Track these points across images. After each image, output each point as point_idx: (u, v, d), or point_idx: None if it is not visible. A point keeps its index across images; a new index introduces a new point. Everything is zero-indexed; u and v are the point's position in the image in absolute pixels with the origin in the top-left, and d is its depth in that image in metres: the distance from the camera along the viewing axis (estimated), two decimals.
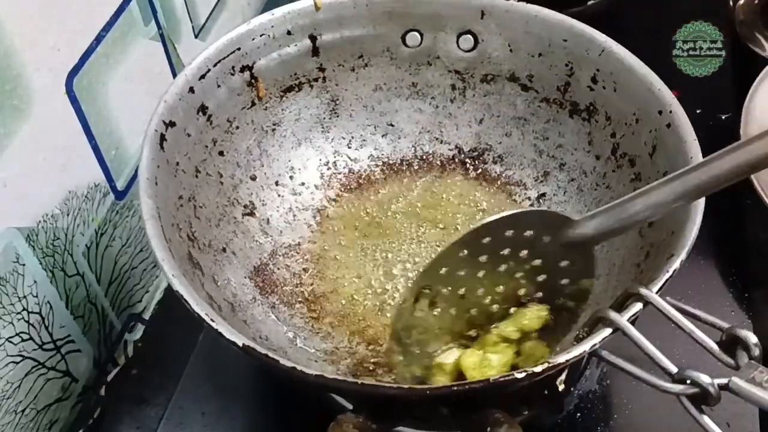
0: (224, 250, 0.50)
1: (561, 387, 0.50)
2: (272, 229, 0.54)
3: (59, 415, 0.53)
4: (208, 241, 0.48)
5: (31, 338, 0.48)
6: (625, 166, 0.51)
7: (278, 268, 0.52)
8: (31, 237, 0.47)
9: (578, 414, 0.50)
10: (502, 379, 0.36)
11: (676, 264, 0.39)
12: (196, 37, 0.65)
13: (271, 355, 0.36)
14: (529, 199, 0.56)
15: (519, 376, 0.36)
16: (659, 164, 0.47)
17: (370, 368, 0.47)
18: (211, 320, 0.37)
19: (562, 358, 0.36)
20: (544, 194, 0.56)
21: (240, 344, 0.37)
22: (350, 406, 0.49)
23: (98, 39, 0.50)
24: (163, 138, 0.46)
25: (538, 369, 0.36)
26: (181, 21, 0.62)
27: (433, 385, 0.37)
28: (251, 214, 0.53)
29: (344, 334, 0.49)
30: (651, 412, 0.50)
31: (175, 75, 0.61)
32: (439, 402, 0.39)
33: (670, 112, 0.47)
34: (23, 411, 0.49)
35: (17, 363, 0.47)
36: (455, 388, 0.36)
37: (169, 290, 0.62)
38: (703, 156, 0.42)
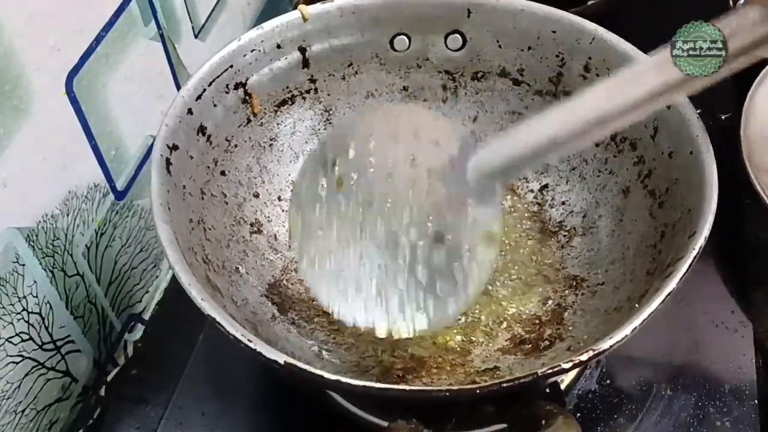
0: (237, 270, 0.50)
1: (563, 385, 0.50)
2: (281, 245, 0.54)
3: (59, 416, 0.53)
4: (222, 263, 0.48)
5: (31, 338, 0.48)
6: (627, 150, 0.51)
7: (292, 284, 0.52)
8: (31, 237, 0.47)
9: (578, 414, 0.50)
10: (549, 370, 0.36)
11: (701, 241, 0.40)
12: (196, 37, 0.65)
13: (314, 370, 0.36)
14: (531, 191, 0.56)
15: (566, 366, 0.36)
16: (662, 145, 0.48)
17: (400, 374, 0.47)
18: (249, 341, 0.37)
19: (606, 344, 0.37)
20: (546, 185, 0.56)
21: (281, 362, 0.37)
22: (352, 408, 0.49)
23: (98, 39, 0.50)
24: (168, 162, 0.46)
25: (584, 357, 0.36)
26: (181, 21, 0.62)
27: (482, 384, 0.37)
28: (258, 231, 0.53)
29: (367, 343, 0.49)
30: (651, 412, 0.50)
31: (174, 75, 0.61)
32: (487, 399, 0.40)
33: None
34: (23, 411, 0.49)
35: (17, 363, 0.47)
36: (504, 384, 0.36)
37: (169, 291, 0.62)
38: None
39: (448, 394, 0.36)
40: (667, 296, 0.38)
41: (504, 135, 0.42)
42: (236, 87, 0.52)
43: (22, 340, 0.48)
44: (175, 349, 0.56)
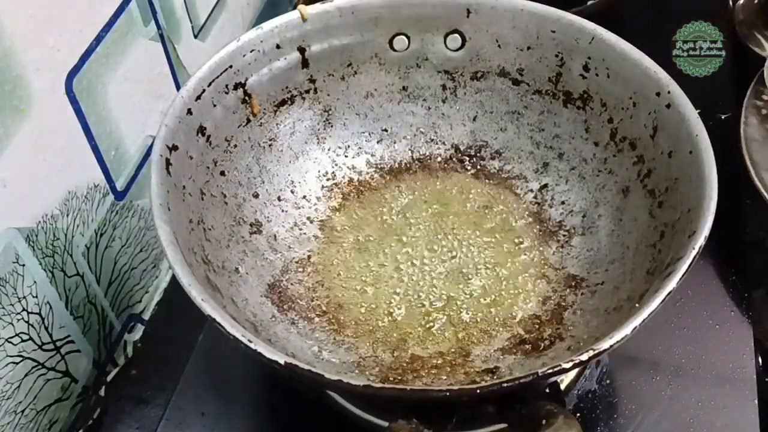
0: (237, 270, 0.50)
1: (563, 385, 0.50)
2: (280, 245, 0.54)
3: (59, 416, 0.53)
4: (221, 263, 0.48)
5: (30, 339, 0.48)
6: (626, 150, 0.51)
7: (292, 284, 0.52)
8: (31, 237, 0.47)
9: (578, 414, 0.50)
10: (549, 370, 0.36)
11: (700, 241, 0.40)
12: (195, 37, 0.65)
13: (314, 370, 0.36)
14: (531, 191, 0.56)
15: (566, 366, 0.36)
16: (662, 145, 0.48)
17: (399, 374, 0.47)
18: (249, 341, 0.37)
19: (606, 344, 0.37)
20: (546, 185, 0.56)
21: (282, 362, 0.37)
22: (352, 408, 0.49)
23: (98, 39, 0.50)
24: (168, 163, 0.46)
25: (584, 357, 0.36)
26: (180, 21, 0.62)
27: (482, 384, 0.37)
28: (258, 231, 0.53)
29: (367, 343, 0.49)
30: (651, 412, 0.50)
31: (174, 75, 0.61)
32: (487, 399, 0.40)
33: (669, 92, 0.47)
34: (23, 411, 0.49)
35: (17, 363, 0.47)
36: (505, 384, 0.36)
37: (169, 291, 0.62)
38: None
39: (448, 394, 0.36)
40: (667, 296, 0.38)
41: None
42: (236, 87, 0.52)
43: (22, 341, 0.48)
44: (174, 349, 0.56)
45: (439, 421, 0.39)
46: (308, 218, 0.56)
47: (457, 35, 0.56)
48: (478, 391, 0.37)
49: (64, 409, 0.53)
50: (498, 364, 0.47)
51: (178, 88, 0.61)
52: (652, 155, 0.49)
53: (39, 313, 0.49)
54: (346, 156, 0.58)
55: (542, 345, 0.47)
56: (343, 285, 0.52)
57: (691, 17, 0.67)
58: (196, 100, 0.49)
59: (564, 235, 0.54)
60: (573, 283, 0.51)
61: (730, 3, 0.74)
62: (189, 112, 0.49)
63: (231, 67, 0.51)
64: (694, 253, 0.39)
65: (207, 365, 0.55)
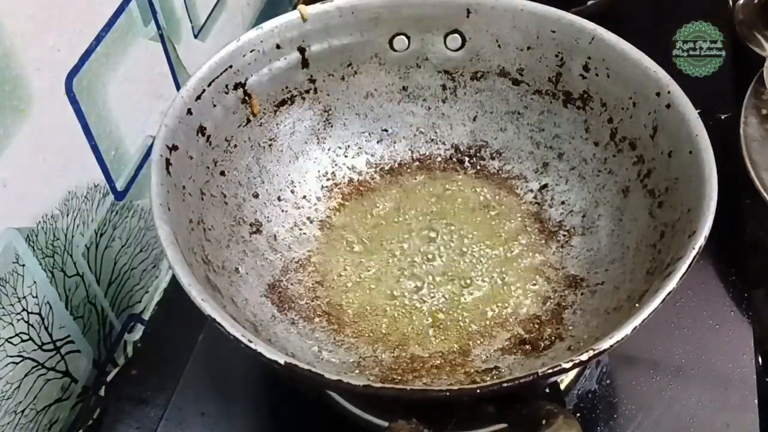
0: (237, 270, 0.50)
1: (563, 385, 0.50)
2: (280, 245, 0.54)
3: (59, 416, 0.53)
4: (221, 263, 0.48)
5: (30, 339, 0.48)
6: (626, 150, 0.51)
7: (292, 284, 0.52)
8: (31, 237, 0.47)
9: (578, 414, 0.50)
10: (549, 370, 0.36)
11: (700, 241, 0.40)
12: (195, 37, 0.65)
13: (314, 370, 0.36)
14: (531, 191, 0.56)
15: (566, 366, 0.36)
16: (662, 145, 0.48)
17: (399, 374, 0.47)
18: (249, 341, 0.37)
19: (606, 344, 0.37)
20: (546, 185, 0.56)
21: (282, 362, 0.37)
22: (351, 408, 0.49)
23: (98, 39, 0.50)
24: (168, 162, 0.46)
25: (584, 357, 0.36)
26: (180, 21, 0.62)
27: (482, 384, 0.37)
28: (258, 231, 0.53)
29: (367, 343, 0.49)
30: (651, 412, 0.50)
31: (174, 75, 0.61)
32: (487, 399, 0.40)
33: (669, 92, 0.47)
34: (23, 411, 0.49)
35: (17, 363, 0.47)
36: (505, 384, 0.36)
37: (169, 291, 0.62)
38: None
39: (448, 394, 0.36)
40: (667, 296, 0.38)
41: None
42: (236, 87, 0.52)
43: (22, 341, 0.48)
44: (174, 349, 0.56)
45: (439, 421, 0.39)
46: (308, 218, 0.56)
47: (457, 35, 0.56)
48: (478, 391, 0.37)
49: (64, 409, 0.53)
50: (498, 364, 0.47)
51: (178, 88, 0.61)
52: (652, 155, 0.49)
53: (39, 313, 0.49)
54: (346, 156, 0.58)
55: (542, 345, 0.47)
56: (343, 285, 0.52)
57: (691, 17, 0.67)
58: (196, 100, 0.49)
59: (564, 235, 0.54)
60: (573, 283, 0.51)
61: (730, 3, 0.74)
62: (189, 112, 0.49)
63: (231, 67, 0.51)
64: (694, 253, 0.40)
65: (207, 365, 0.55)
